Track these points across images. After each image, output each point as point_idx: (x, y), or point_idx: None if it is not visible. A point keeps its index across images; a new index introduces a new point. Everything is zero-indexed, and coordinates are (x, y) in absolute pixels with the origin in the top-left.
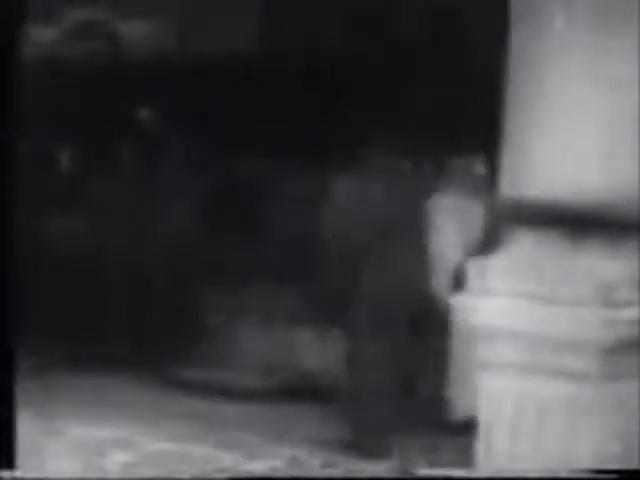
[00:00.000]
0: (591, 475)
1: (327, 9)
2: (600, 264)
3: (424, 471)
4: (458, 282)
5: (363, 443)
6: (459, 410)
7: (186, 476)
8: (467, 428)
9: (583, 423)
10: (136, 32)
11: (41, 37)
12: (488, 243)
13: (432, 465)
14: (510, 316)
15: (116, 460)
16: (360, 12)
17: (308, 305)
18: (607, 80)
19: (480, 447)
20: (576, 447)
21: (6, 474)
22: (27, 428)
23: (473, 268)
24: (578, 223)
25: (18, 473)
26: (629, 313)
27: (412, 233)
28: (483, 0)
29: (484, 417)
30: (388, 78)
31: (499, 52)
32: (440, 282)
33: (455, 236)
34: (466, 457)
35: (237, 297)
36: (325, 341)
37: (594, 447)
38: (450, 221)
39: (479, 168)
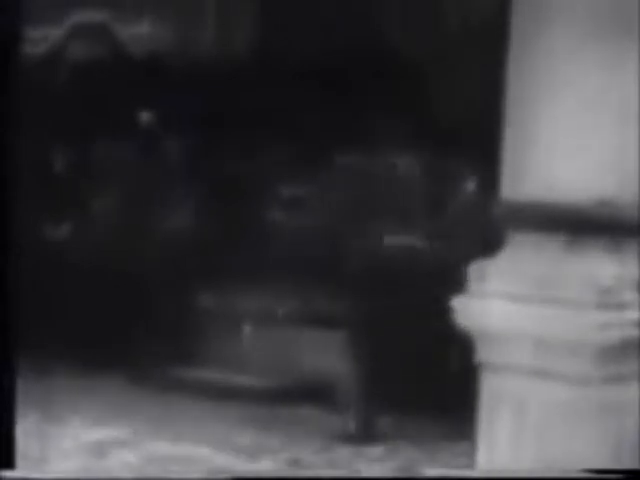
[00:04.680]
0: (591, 475)
1: (327, 11)
2: (600, 266)
3: (424, 471)
4: (458, 284)
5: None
6: None
7: (186, 476)
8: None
9: (583, 424)
10: (136, 34)
11: (42, 38)
12: (488, 245)
13: (432, 465)
14: (509, 318)
15: (116, 460)
16: (361, 13)
17: (309, 305)
18: (609, 82)
19: (480, 447)
20: (576, 448)
21: (6, 474)
22: (27, 428)
23: (473, 270)
24: (578, 225)
25: (18, 473)
26: (629, 315)
27: (412, 233)
28: (484, 1)
29: (484, 418)
30: (387, 79)
31: (500, 54)
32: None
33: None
34: (466, 458)
35: (237, 297)
36: (326, 341)
37: (594, 448)
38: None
39: (479, 170)
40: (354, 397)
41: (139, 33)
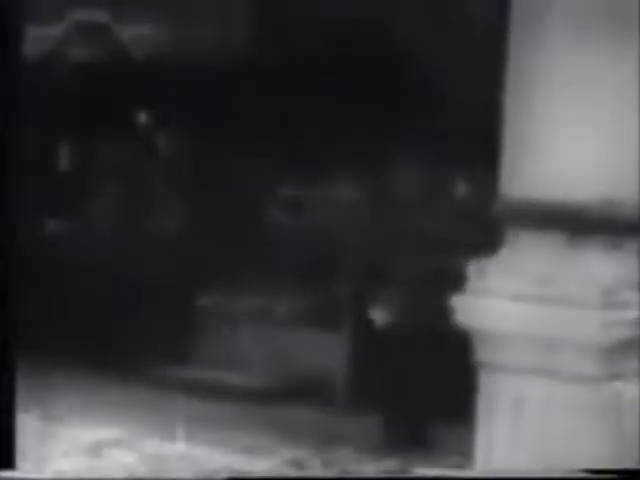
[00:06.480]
0: (591, 475)
1: (324, 12)
2: (600, 265)
3: (424, 471)
4: (458, 283)
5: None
6: None
7: (183, 476)
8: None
9: (583, 424)
10: (136, 33)
11: (42, 37)
12: (488, 244)
13: (430, 465)
14: (510, 317)
15: (115, 460)
16: (361, 13)
17: (308, 306)
18: (608, 82)
19: (480, 447)
20: (576, 447)
21: (6, 474)
22: (27, 428)
23: (473, 269)
24: (578, 224)
25: (18, 473)
26: (629, 314)
27: (412, 233)
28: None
29: (484, 417)
30: (387, 80)
31: (500, 53)
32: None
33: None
34: (466, 457)
35: (236, 297)
36: (324, 342)
37: (594, 447)
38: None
39: (479, 169)
40: (351, 397)
41: (139, 33)
